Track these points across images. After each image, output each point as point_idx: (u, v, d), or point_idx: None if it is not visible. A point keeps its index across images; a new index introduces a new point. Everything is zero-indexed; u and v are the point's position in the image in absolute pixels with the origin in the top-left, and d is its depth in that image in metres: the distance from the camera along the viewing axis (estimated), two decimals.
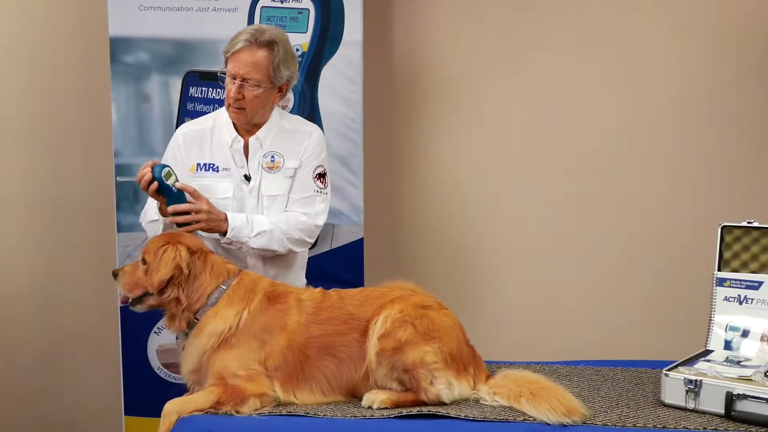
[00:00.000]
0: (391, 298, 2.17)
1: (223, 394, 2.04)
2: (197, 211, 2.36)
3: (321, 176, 2.61)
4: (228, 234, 2.43)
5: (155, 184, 2.30)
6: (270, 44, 2.47)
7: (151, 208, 2.51)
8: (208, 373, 2.12)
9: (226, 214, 2.44)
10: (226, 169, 2.54)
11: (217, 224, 2.41)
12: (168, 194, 2.33)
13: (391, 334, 2.08)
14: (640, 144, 3.57)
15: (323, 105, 3.18)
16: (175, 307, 2.18)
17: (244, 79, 2.44)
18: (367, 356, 2.10)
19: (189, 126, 2.64)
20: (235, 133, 2.55)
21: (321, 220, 2.59)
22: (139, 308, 2.23)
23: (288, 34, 2.90)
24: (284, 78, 2.51)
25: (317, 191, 2.59)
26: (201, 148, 2.56)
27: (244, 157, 2.56)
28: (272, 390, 2.09)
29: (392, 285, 2.30)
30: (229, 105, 2.49)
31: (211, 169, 2.54)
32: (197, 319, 2.17)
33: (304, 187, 2.58)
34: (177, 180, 2.35)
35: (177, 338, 2.28)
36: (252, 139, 2.56)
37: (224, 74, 2.50)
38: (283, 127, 2.60)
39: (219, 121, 2.59)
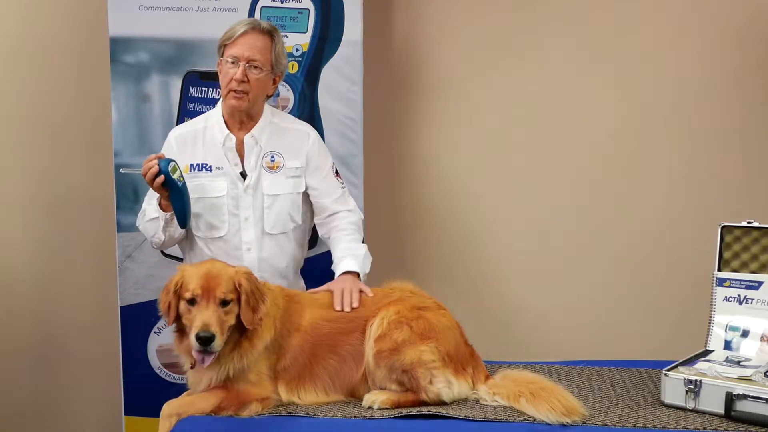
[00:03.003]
0: (389, 301, 2.18)
1: (225, 398, 2.04)
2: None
3: (338, 173, 2.69)
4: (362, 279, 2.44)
5: (161, 177, 2.33)
6: (270, 32, 2.53)
7: (150, 206, 2.52)
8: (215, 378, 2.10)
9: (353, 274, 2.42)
10: (219, 168, 2.55)
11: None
12: (173, 188, 2.36)
13: (387, 335, 2.08)
14: (640, 144, 3.56)
15: (323, 105, 3.18)
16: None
17: (249, 61, 2.46)
18: (365, 358, 2.11)
19: (181, 128, 2.66)
20: (227, 130, 2.56)
21: (360, 213, 2.71)
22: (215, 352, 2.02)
23: (288, 34, 2.87)
24: (281, 68, 2.57)
25: (343, 187, 2.67)
26: (194, 149, 2.57)
27: (237, 155, 2.56)
28: (275, 393, 2.09)
29: (392, 285, 2.31)
30: (230, 91, 2.49)
31: (204, 169, 2.55)
32: None
33: (333, 187, 2.64)
34: (181, 175, 2.38)
35: (191, 367, 2.12)
36: (247, 137, 2.56)
37: (217, 70, 2.53)
38: (277, 125, 2.61)
39: (210, 122, 2.60)
